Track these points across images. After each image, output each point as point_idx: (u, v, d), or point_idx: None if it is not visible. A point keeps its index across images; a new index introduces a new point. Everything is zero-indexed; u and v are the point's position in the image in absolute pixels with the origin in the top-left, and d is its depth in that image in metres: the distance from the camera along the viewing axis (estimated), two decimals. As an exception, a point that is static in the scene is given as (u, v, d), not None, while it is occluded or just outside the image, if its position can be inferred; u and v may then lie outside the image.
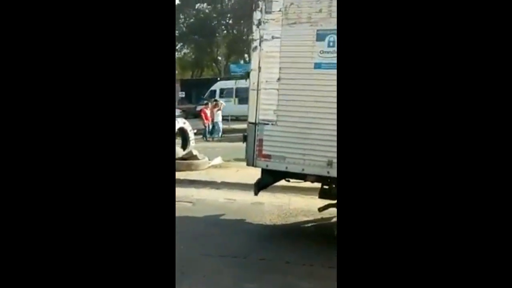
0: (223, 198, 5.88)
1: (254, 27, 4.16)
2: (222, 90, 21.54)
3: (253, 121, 4.25)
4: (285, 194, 5.86)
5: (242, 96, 18.56)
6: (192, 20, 35.80)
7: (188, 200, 5.79)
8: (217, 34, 35.90)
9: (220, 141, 13.64)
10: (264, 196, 5.93)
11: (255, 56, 4.17)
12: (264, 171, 4.37)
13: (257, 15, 4.09)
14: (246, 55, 36.30)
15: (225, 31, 36.79)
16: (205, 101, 16.21)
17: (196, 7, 35.51)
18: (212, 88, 21.99)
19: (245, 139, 4.42)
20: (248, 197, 5.89)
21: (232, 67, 31.21)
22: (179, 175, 7.25)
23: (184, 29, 36.42)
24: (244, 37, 35.75)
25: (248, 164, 4.39)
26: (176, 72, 39.11)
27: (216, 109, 14.00)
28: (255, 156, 4.24)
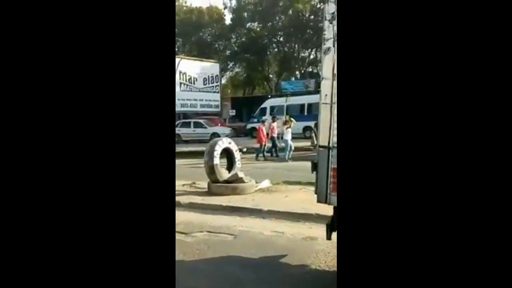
0: (269, 230, 5.06)
1: (326, 23, 3.16)
2: (272, 108, 20.97)
3: (326, 144, 3.21)
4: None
5: (292, 114, 17.89)
6: (243, 39, 36.04)
7: (230, 231, 5.05)
8: (268, 52, 35.78)
9: (272, 160, 12.96)
10: (317, 229, 5.05)
11: (327, 60, 3.19)
12: None
13: (330, 8, 3.13)
14: (297, 72, 35.77)
15: (276, 49, 36.59)
16: (261, 119, 15.58)
17: (247, 26, 35.70)
18: (263, 105, 21.49)
19: (314, 167, 3.39)
20: (298, 229, 5.04)
21: (283, 84, 30.79)
22: (222, 200, 6.59)
23: (235, 48, 36.80)
24: (295, 54, 35.36)
25: (319, 201, 3.35)
26: (228, 90, 39.81)
27: (286, 126, 13.12)
28: (328, 191, 3.20)
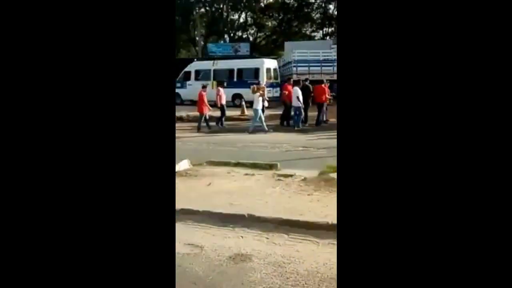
0: (182, 242, 3.47)
1: None
2: (198, 72, 18.89)
3: None
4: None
5: (220, 79, 16.13)
6: (166, -5, 32.65)
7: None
8: (194, 13, 32.93)
9: (216, 132, 11.24)
10: (250, 239, 3.57)
11: None
12: None
13: None
14: (226, 36, 33.53)
15: (202, 9, 33.83)
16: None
17: (171, -20, 32.35)
18: (186, 69, 19.23)
19: None
20: (223, 240, 3.51)
21: (210, 46, 28.47)
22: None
23: (158, 5, 33.30)
24: (224, 17, 32.96)
25: None
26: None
27: (258, 94, 10.97)
28: None
